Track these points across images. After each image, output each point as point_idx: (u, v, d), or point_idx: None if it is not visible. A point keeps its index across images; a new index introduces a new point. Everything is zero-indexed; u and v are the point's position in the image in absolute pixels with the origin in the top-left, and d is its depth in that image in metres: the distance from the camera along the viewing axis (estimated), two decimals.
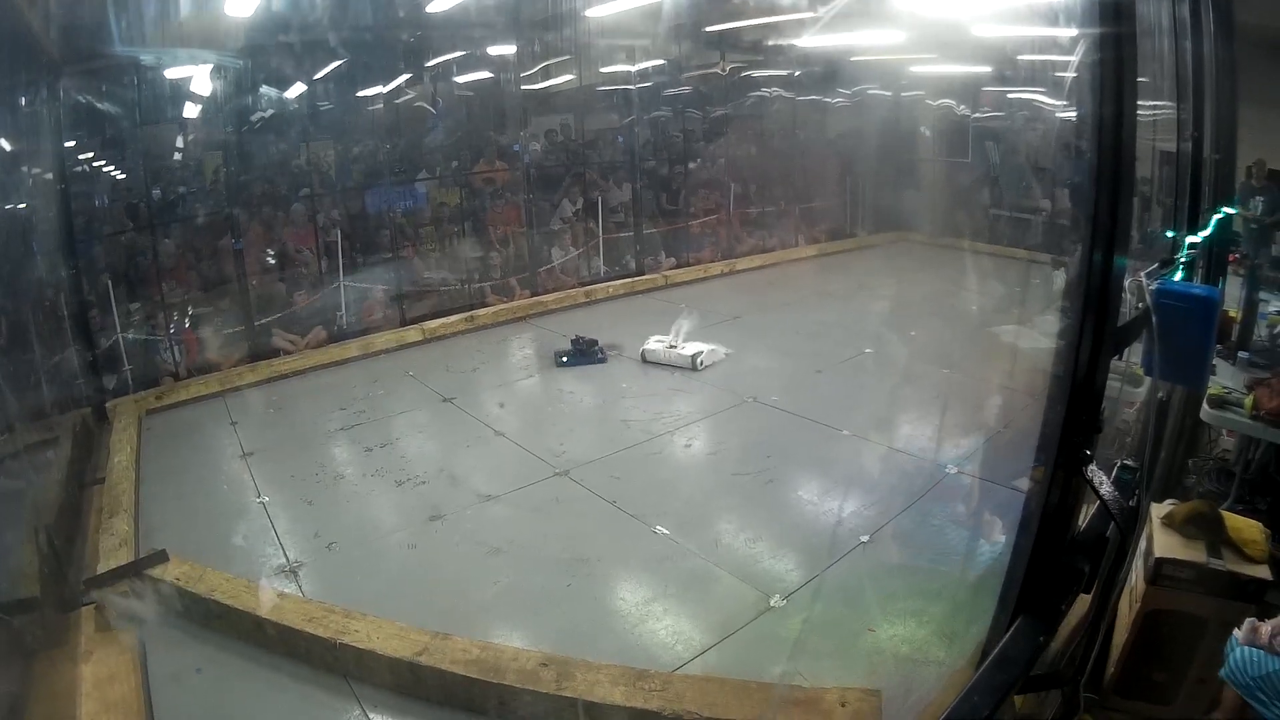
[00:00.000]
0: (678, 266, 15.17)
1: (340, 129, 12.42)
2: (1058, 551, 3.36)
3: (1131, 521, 3.72)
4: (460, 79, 13.69)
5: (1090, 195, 3.01)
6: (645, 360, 10.11)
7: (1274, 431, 6.14)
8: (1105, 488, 3.26)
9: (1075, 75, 3.17)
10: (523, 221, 13.81)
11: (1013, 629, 3.40)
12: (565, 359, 10.10)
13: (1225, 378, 6.60)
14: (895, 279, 13.76)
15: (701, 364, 9.74)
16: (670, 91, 16.03)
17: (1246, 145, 7.97)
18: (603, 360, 10.05)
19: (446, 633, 4.85)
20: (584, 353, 10.09)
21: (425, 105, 13.40)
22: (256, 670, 5.02)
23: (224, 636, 5.30)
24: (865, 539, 6.00)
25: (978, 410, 8.20)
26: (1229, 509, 5.32)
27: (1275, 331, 7.25)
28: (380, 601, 5.34)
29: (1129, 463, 3.97)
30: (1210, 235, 5.88)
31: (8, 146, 8.63)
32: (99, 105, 10.11)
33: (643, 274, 14.65)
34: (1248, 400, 6.21)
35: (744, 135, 17.22)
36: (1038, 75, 14.23)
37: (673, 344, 9.99)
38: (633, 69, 15.02)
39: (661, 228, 15.63)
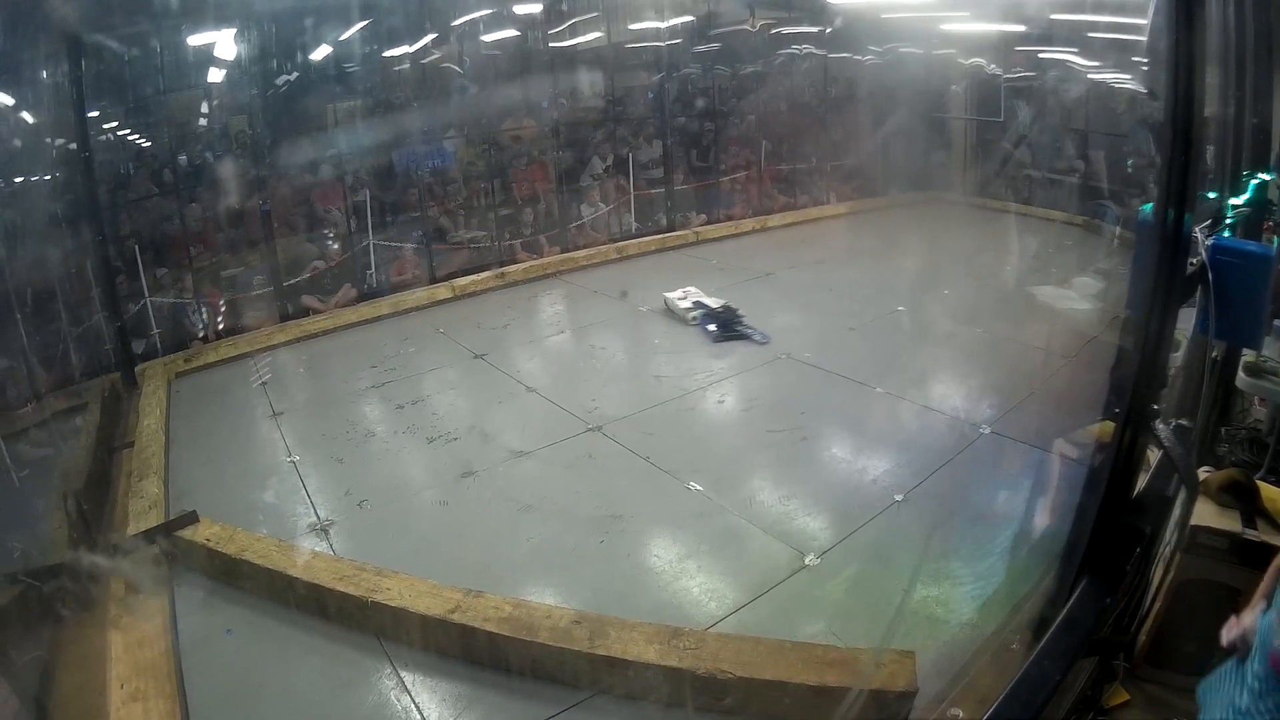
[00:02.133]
0: (709, 223, 15.04)
1: (367, 89, 12.31)
2: (1121, 511, 3.27)
3: (1193, 480, 3.61)
4: (487, 37, 13.52)
5: (1166, 156, 3.01)
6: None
7: None
8: (1171, 444, 3.17)
9: (1148, 40, 3.23)
10: (552, 178, 13.71)
11: (1078, 591, 3.32)
12: (714, 329, 9.29)
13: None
14: (927, 238, 13.53)
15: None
16: (700, 48, 15.82)
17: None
18: (762, 339, 9.08)
19: (479, 590, 4.78)
20: (728, 324, 9.25)
21: (452, 65, 13.26)
22: (287, 630, 4.99)
23: (255, 597, 5.27)
24: (899, 498, 5.91)
25: (1011, 371, 8.04)
26: (1261, 480, 5.20)
27: None
28: (412, 559, 5.30)
29: (1184, 422, 3.87)
30: (1248, 199, 5.75)
31: (30, 119, 8.62)
32: (122, 73, 10.07)
33: (674, 230, 14.54)
34: None
35: (774, 92, 16.98)
36: (1071, 35, 14.00)
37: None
38: (662, 25, 14.84)
39: (693, 184, 15.47)
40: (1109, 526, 3.29)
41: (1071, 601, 3.31)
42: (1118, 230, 11.93)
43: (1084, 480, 3.50)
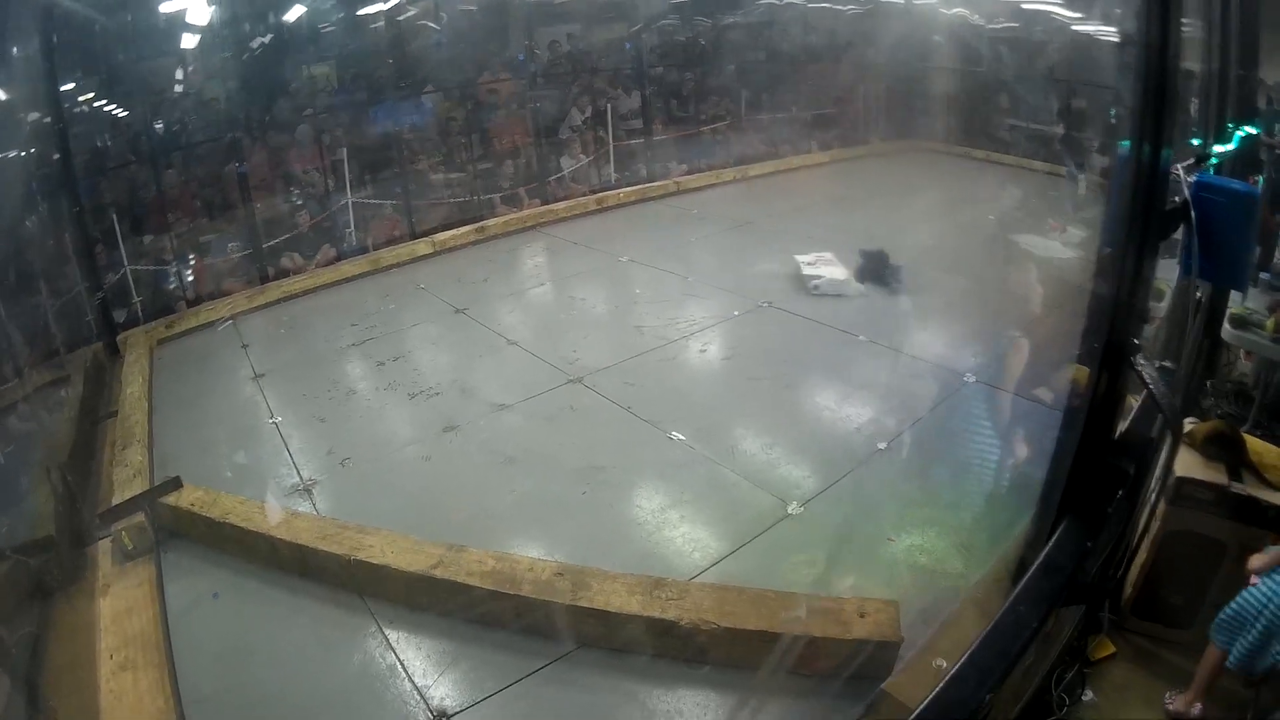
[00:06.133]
0: (689, 173, 14.95)
1: (342, 48, 12.18)
2: (1102, 451, 3.24)
3: (1177, 419, 3.61)
4: None
5: (1138, 87, 2.91)
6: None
7: None
8: (1153, 381, 3.14)
9: None
10: (530, 131, 13.61)
11: (1058, 533, 3.30)
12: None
13: (1247, 299, 6.46)
14: (908, 186, 13.51)
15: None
16: None
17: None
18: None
19: (462, 545, 4.81)
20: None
21: (428, 22, 13.11)
22: (273, 592, 5.01)
23: (240, 560, 5.29)
24: (882, 446, 5.93)
25: (994, 319, 8.04)
26: (1247, 433, 5.21)
27: None
28: (396, 516, 5.32)
29: (1167, 364, 3.85)
30: (1234, 150, 5.72)
31: (2, 95, 8.56)
32: (94, 39, 9.96)
33: (654, 181, 14.47)
34: (1269, 322, 6.10)
35: (755, 42, 16.85)
36: None
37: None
38: None
39: (673, 134, 15.38)
40: (1089, 466, 3.27)
41: (1050, 544, 3.30)
42: (1100, 181, 11.89)
43: (1061, 419, 3.48)
